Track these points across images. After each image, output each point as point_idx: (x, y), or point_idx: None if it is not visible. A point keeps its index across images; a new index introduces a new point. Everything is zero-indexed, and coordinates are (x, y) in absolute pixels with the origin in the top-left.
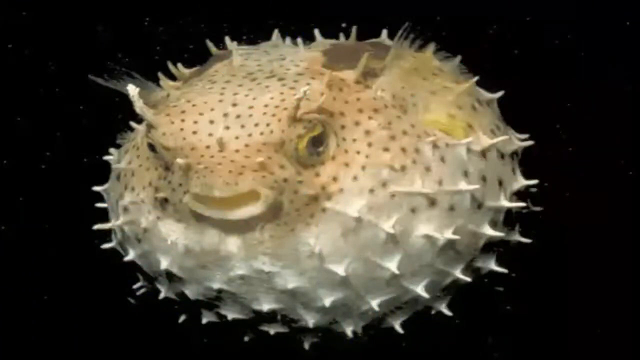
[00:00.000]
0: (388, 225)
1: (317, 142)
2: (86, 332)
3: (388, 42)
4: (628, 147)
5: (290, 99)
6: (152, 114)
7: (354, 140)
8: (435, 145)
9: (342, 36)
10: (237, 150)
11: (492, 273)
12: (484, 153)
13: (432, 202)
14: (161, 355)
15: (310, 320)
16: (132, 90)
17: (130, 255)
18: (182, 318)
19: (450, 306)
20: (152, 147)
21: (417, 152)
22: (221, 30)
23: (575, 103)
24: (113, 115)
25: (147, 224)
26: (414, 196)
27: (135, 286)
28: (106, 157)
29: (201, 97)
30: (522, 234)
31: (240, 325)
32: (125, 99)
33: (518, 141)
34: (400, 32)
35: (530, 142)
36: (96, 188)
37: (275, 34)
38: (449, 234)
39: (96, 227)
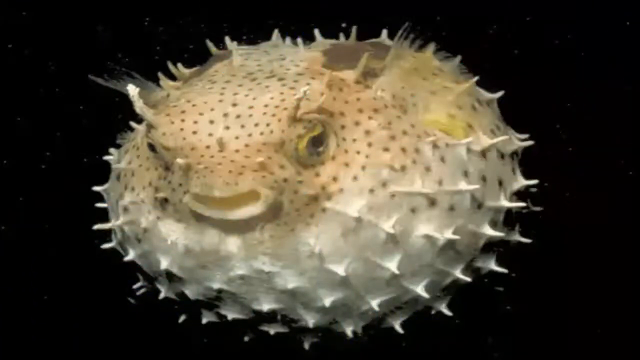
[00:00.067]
0: (388, 225)
1: (317, 142)
2: (86, 332)
3: (388, 42)
4: (628, 147)
5: (290, 99)
6: (152, 114)
7: (354, 140)
8: (435, 145)
9: (342, 36)
10: (237, 150)
11: (492, 273)
12: (484, 153)
13: (432, 202)
14: (161, 355)
15: (310, 320)
16: (132, 90)
17: (130, 255)
18: (182, 318)
19: (450, 306)
20: (152, 147)
21: (417, 152)
22: (221, 30)
23: (575, 103)
24: (113, 115)
25: (147, 224)
26: (414, 196)
27: (135, 286)
28: (106, 157)
29: (201, 97)
30: (522, 234)
31: (240, 325)
32: (125, 99)
33: (518, 141)
34: (400, 32)
35: (530, 142)
36: (96, 188)
37: (275, 34)
38: (449, 234)
39: (96, 227)
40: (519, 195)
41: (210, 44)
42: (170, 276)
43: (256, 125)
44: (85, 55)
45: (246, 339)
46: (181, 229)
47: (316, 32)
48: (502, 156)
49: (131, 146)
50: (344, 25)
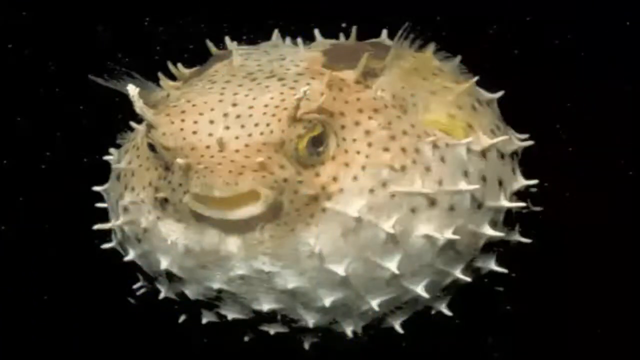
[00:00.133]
0: (388, 225)
1: (317, 142)
2: (86, 332)
3: (388, 42)
4: (628, 147)
5: (290, 99)
6: (152, 114)
7: (354, 140)
8: (435, 145)
9: (342, 36)
10: (237, 150)
11: (492, 273)
12: (484, 153)
13: (432, 202)
14: (161, 355)
15: (310, 320)
16: (132, 90)
17: (130, 255)
18: (182, 318)
19: (450, 306)
20: (152, 147)
21: (417, 152)
22: (221, 30)
23: (575, 103)
24: (113, 115)
25: (147, 224)
26: (414, 196)
27: (135, 286)
28: (106, 157)
29: (201, 97)
30: (522, 234)
31: (240, 325)
32: (125, 99)
33: (518, 141)
34: (400, 32)
35: (530, 142)
36: (96, 188)
37: (275, 34)
38: (449, 234)
39: (96, 227)
40: (519, 195)
41: (210, 44)
42: (170, 276)
43: (256, 125)
44: (85, 55)
45: (246, 339)
46: (181, 229)
47: (316, 32)
48: (502, 156)
49: (131, 146)
50: (344, 25)
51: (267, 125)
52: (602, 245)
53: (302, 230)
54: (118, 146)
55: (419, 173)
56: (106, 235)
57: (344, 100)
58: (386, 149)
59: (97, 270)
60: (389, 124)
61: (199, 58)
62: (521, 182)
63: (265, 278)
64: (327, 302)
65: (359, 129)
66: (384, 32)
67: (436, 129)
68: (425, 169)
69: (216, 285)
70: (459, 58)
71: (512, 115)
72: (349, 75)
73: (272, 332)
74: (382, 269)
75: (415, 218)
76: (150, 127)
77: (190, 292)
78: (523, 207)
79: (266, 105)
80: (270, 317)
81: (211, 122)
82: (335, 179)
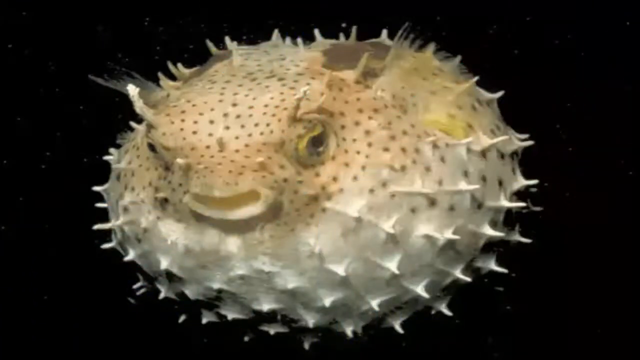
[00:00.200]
0: (388, 225)
1: (317, 142)
2: (86, 332)
3: (388, 42)
4: (628, 147)
5: (290, 99)
6: (152, 114)
7: (354, 140)
8: (435, 145)
9: (342, 36)
10: (237, 150)
11: (492, 273)
12: (484, 153)
13: (432, 202)
14: (161, 355)
15: (310, 320)
16: (132, 90)
17: (130, 255)
18: (182, 318)
19: (450, 306)
20: (152, 147)
21: (417, 152)
22: (221, 30)
23: (575, 103)
24: (113, 115)
25: (147, 224)
26: (414, 196)
27: (135, 286)
28: (106, 157)
29: (201, 97)
30: (522, 234)
31: (240, 325)
32: (125, 99)
33: (518, 141)
34: (400, 32)
35: (530, 142)
36: (96, 188)
37: (275, 34)
38: (449, 234)
39: (96, 227)
40: (519, 195)
41: (210, 44)
42: (170, 276)
43: (256, 125)
44: (85, 55)
45: (246, 339)
46: (181, 229)
47: (316, 32)
48: (502, 156)
49: (131, 146)
50: (344, 25)
51: (267, 125)
52: (602, 245)
53: (302, 230)
54: (118, 146)
55: (419, 173)
56: (106, 235)
57: (344, 100)
58: (386, 149)
59: (97, 270)
60: (389, 124)
61: (199, 58)
62: (521, 182)
63: (265, 278)
64: (327, 302)
65: (359, 129)
66: (384, 32)
67: (436, 129)
68: (425, 169)
69: (216, 285)
70: (459, 58)
71: (512, 115)
72: (349, 75)
73: (272, 332)
74: (382, 269)
75: (415, 218)
76: (150, 127)
77: (190, 292)
78: (523, 207)
79: (266, 105)
80: (270, 317)
81: (211, 122)
82: (335, 179)
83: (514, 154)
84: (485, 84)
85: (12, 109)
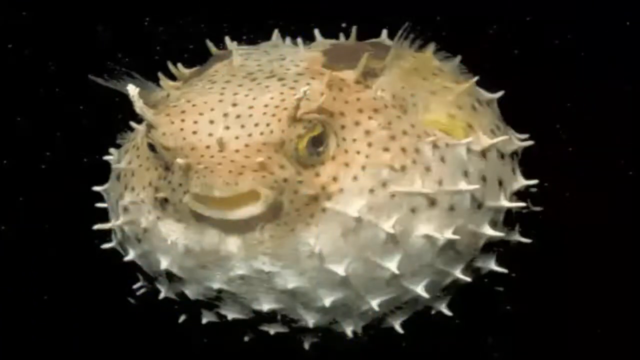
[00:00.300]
0: (388, 225)
1: (317, 142)
2: (86, 332)
3: (388, 42)
4: (628, 147)
5: (290, 99)
6: (152, 114)
7: (354, 140)
8: (435, 145)
9: (342, 36)
10: (237, 150)
11: (492, 273)
12: (484, 153)
13: (432, 202)
14: (161, 355)
15: (310, 320)
16: (132, 90)
17: (130, 255)
18: (182, 318)
19: (450, 306)
20: (152, 147)
21: (417, 152)
22: (221, 30)
23: (575, 103)
24: (113, 115)
25: (147, 224)
26: (414, 196)
27: (135, 286)
28: (106, 157)
29: (201, 97)
30: (522, 234)
31: (240, 325)
32: (125, 99)
33: (518, 141)
34: (400, 32)
35: (530, 142)
36: (96, 188)
37: (275, 34)
38: (449, 234)
39: (96, 227)
40: (519, 195)
41: (210, 44)
42: (170, 276)
43: (256, 125)
44: (85, 55)
45: (246, 339)
46: (181, 229)
47: (316, 32)
48: (502, 156)
49: (131, 146)
50: (344, 25)
51: (267, 125)
52: (602, 245)
53: (302, 230)
54: (118, 146)
55: (419, 173)
56: (106, 235)
57: (344, 100)
58: (386, 149)
59: (97, 270)
60: (389, 124)
61: (199, 58)
62: (521, 182)
63: (265, 278)
64: (327, 302)
65: (359, 129)
66: (384, 32)
67: (436, 129)
68: (425, 169)
69: (216, 285)
70: (459, 58)
71: (512, 115)
72: (349, 75)
73: (272, 332)
74: (382, 269)
75: (415, 218)
76: (150, 127)
77: (190, 292)
78: (523, 207)
79: (266, 105)
80: (270, 317)
81: (211, 122)
82: (335, 179)
83: (514, 154)
84: (485, 84)
85: (12, 109)
